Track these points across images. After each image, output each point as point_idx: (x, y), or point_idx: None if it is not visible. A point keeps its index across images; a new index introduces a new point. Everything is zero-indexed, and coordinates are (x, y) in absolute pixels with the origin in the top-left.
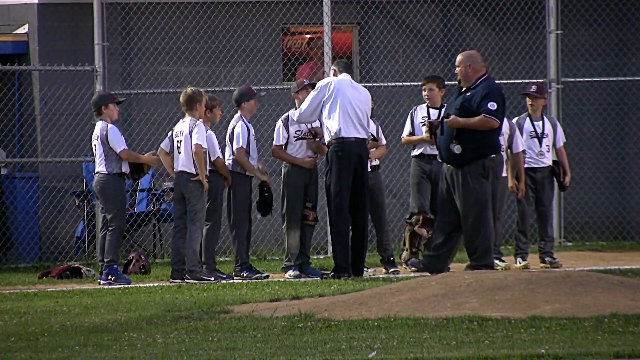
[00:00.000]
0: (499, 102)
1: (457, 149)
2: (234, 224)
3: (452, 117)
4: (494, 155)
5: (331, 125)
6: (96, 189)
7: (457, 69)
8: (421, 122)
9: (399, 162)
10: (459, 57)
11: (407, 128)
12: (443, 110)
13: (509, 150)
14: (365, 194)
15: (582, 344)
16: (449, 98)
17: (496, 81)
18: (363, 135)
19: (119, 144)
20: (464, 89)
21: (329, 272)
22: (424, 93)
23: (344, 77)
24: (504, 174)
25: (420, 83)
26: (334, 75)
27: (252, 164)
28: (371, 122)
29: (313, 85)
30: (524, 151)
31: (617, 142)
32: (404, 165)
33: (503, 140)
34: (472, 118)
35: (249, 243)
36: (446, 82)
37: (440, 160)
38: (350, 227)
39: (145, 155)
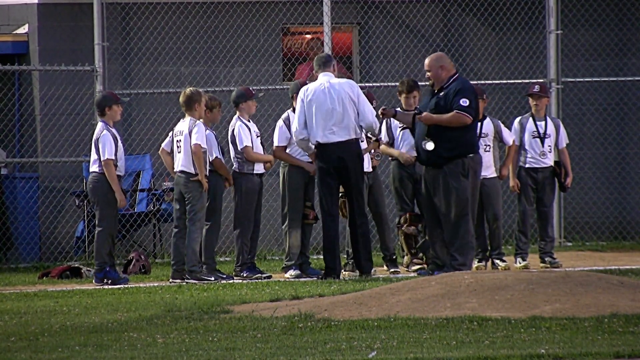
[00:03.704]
0: (472, 98)
1: (428, 145)
2: (239, 224)
3: (424, 113)
4: (473, 155)
5: (311, 135)
6: (89, 187)
7: (428, 72)
8: (400, 127)
9: None
10: (427, 61)
11: (385, 137)
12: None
13: (507, 148)
14: (356, 194)
15: (582, 344)
16: (422, 100)
17: (496, 81)
18: (343, 138)
19: (104, 152)
20: (436, 90)
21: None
22: (410, 101)
23: (323, 77)
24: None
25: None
26: (316, 79)
27: (264, 155)
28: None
29: None
30: (524, 148)
31: (617, 142)
32: None
33: (489, 140)
34: (444, 114)
35: (256, 244)
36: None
37: (420, 163)
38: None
39: (120, 194)
